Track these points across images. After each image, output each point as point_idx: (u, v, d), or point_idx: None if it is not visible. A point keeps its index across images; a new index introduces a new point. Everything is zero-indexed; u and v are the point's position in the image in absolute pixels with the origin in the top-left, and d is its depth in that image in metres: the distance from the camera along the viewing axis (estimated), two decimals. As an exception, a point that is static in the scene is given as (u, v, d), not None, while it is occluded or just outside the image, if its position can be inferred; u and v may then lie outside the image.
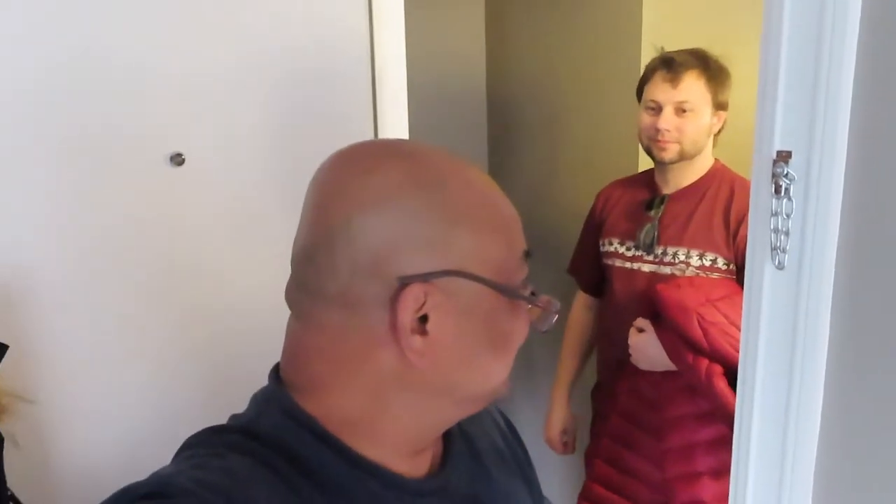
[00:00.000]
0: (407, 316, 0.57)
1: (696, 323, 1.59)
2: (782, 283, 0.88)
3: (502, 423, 0.82)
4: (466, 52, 2.70)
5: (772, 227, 0.86)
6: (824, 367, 0.88)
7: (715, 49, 1.73)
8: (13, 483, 1.17)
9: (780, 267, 0.87)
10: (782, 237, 0.86)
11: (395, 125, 1.70)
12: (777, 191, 0.85)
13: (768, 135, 0.85)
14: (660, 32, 1.99)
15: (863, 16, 0.78)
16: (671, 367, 1.65)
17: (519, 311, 0.64)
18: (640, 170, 2.04)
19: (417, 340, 0.58)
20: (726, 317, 1.59)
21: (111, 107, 1.41)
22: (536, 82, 2.54)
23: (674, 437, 1.70)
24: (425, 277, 0.57)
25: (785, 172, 0.84)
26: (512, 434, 0.81)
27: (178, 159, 1.45)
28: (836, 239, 0.84)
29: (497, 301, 0.61)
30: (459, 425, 0.72)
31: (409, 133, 1.74)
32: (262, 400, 0.64)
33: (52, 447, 1.43)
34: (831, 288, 0.85)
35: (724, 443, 1.65)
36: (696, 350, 1.60)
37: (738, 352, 1.55)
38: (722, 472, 1.66)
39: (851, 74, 0.80)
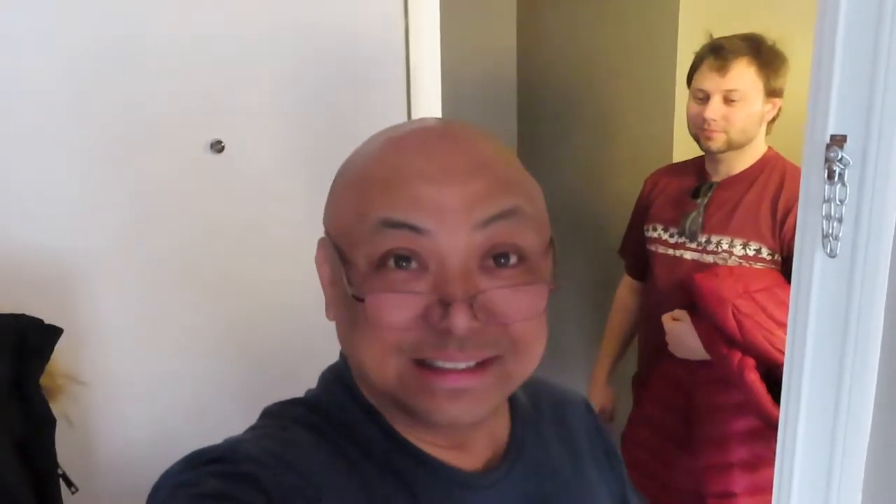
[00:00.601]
0: (317, 265, 0.59)
1: (731, 314, 1.51)
2: (834, 271, 0.80)
3: (587, 415, 0.74)
4: (496, 41, 2.63)
5: (823, 213, 0.79)
6: (877, 363, 0.80)
7: (772, 33, 1.61)
8: (63, 462, 1.15)
9: (832, 255, 0.79)
10: (835, 224, 0.78)
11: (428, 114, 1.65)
12: (830, 176, 0.77)
13: (822, 118, 0.78)
14: (698, 16, 1.89)
15: (927, -9, 0.70)
16: (707, 356, 1.58)
17: (369, 286, 0.52)
18: (675, 158, 1.95)
19: (328, 294, 0.59)
20: (764, 309, 1.51)
21: (152, 94, 1.38)
22: (566, 71, 2.47)
23: (707, 426, 1.63)
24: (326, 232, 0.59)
25: (839, 157, 0.77)
26: (594, 424, 0.73)
27: (218, 146, 1.42)
28: (892, 226, 0.76)
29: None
30: (533, 416, 0.66)
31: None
32: (328, 376, 0.63)
33: (99, 428, 1.41)
34: (887, 277, 0.77)
35: (758, 435, 1.58)
36: (731, 341, 1.52)
37: (773, 346, 1.51)
38: (755, 464, 1.59)
39: (914, 53, 0.72)
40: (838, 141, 0.76)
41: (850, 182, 0.77)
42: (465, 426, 0.56)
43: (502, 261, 0.53)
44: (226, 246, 1.51)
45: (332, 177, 0.60)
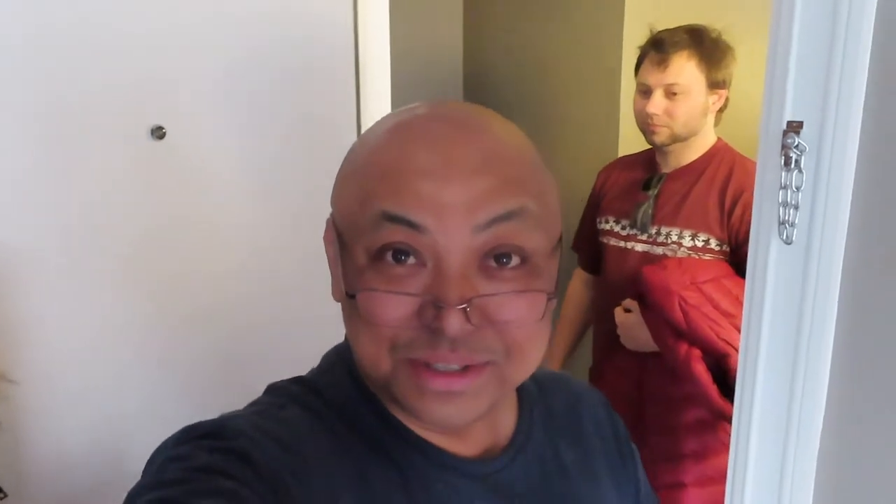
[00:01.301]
0: (325, 244, 0.56)
1: (677, 305, 1.51)
2: (789, 258, 0.79)
3: (603, 414, 0.70)
4: (443, 34, 2.60)
5: (780, 200, 0.78)
6: (832, 350, 0.79)
7: (720, 24, 1.60)
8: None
9: (788, 242, 0.78)
10: (791, 211, 0.77)
11: (378, 103, 1.61)
12: (787, 163, 0.76)
13: (778, 104, 0.76)
14: (644, 10, 1.89)
15: (882, -24, 0.70)
16: (657, 348, 1.57)
17: (365, 279, 0.51)
18: (621, 151, 1.95)
19: (333, 274, 0.57)
20: (710, 300, 1.51)
21: (88, 79, 1.30)
22: (513, 65, 2.45)
23: (658, 418, 1.63)
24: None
25: (795, 143, 0.75)
26: (610, 423, 0.70)
27: (158, 132, 1.35)
28: (848, 213, 0.75)
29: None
30: (543, 412, 0.64)
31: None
32: (331, 356, 0.62)
33: (32, 430, 1.32)
34: (842, 264, 0.77)
35: (707, 426, 1.57)
36: (678, 333, 1.52)
37: (718, 336, 1.51)
38: (704, 454, 1.59)
39: (870, 39, 0.71)
40: (795, 127, 0.75)
41: (807, 168, 0.75)
42: (456, 427, 0.55)
43: (504, 260, 0.50)
44: (170, 237, 1.43)
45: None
